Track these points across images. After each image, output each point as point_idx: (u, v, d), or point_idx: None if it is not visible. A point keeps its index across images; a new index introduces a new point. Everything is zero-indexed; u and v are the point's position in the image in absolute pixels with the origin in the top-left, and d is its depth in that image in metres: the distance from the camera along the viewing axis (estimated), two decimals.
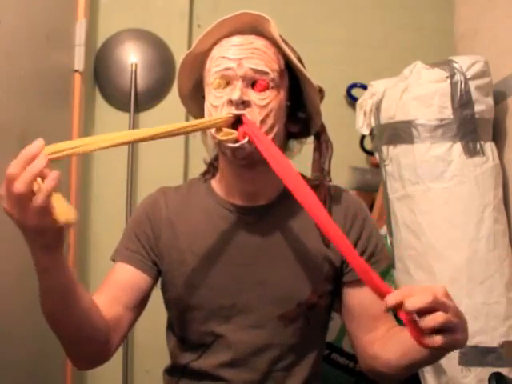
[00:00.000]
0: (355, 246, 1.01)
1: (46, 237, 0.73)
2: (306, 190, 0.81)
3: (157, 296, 1.10)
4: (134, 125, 1.88)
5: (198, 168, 1.15)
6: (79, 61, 1.73)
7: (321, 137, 1.04)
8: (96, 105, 1.92)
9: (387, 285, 0.75)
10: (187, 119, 1.88)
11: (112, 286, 0.99)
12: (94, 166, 1.90)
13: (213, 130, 0.93)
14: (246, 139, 0.89)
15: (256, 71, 0.93)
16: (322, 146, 1.04)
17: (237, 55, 0.93)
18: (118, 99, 1.91)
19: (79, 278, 1.78)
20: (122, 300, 0.97)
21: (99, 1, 1.92)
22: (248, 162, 0.94)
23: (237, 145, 0.90)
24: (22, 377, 1.34)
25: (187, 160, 1.94)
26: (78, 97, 1.73)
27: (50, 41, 1.55)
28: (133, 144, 1.86)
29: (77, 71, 1.73)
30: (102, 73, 1.92)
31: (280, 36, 0.96)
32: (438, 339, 0.70)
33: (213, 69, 0.95)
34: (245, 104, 0.91)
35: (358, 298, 1.00)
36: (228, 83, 0.94)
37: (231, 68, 0.93)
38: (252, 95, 0.93)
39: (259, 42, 0.95)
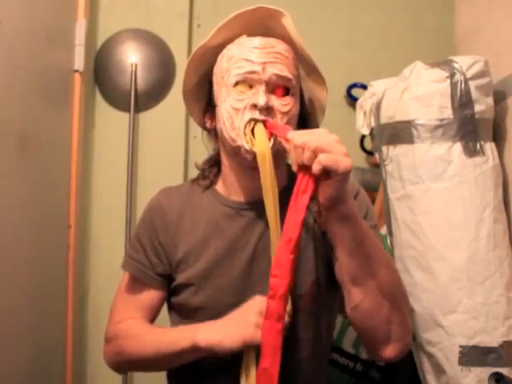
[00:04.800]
0: None
1: None
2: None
3: None
4: (133, 125, 1.88)
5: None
6: (79, 61, 1.73)
7: None
8: (96, 105, 1.92)
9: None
10: (187, 119, 1.89)
11: (139, 308, 1.04)
12: (94, 166, 1.90)
13: (235, 135, 0.93)
14: (271, 143, 0.91)
15: (280, 77, 0.93)
16: None
17: (261, 59, 0.93)
18: (118, 99, 1.91)
19: (79, 278, 1.78)
20: (147, 319, 1.04)
21: (99, 1, 1.92)
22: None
23: None
24: (22, 376, 1.34)
25: (187, 160, 1.93)
26: (78, 97, 1.73)
27: (50, 41, 1.55)
28: (133, 144, 1.86)
29: (77, 71, 1.73)
30: (101, 73, 1.92)
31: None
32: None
33: (234, 70, 0.94)
34: (268, 110, 0.92)
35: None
36: (250, 86, 0.93)
37: (256, 72, 0.92)
38: (274, 101, 0.93)
39: (281, 47, 0.96)
